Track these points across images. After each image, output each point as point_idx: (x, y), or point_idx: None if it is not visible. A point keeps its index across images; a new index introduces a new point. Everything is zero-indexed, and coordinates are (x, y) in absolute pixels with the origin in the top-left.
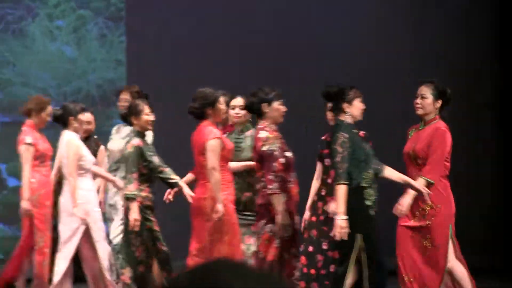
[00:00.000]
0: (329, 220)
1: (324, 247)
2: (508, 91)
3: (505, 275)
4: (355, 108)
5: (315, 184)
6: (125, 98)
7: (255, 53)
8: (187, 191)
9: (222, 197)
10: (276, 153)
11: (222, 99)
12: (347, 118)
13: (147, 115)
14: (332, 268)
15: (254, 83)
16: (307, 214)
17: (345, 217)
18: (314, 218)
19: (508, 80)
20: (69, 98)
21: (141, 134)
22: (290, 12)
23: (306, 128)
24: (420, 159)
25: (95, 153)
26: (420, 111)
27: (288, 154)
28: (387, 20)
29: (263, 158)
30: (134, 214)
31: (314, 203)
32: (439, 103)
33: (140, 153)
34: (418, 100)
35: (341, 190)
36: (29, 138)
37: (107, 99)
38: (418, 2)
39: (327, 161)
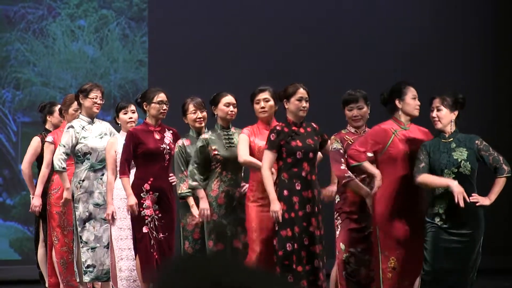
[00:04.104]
0: (306, 216)
1: (306, 242)
2: None
3: None
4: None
5: None
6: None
7: (277, 52)
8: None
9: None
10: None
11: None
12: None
13: (192, 114)
14: (316, 263)
15: (280, 83)
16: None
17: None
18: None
19: None
20: None
21: (193, 133)
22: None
23: None
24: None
25: None
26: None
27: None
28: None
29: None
30: (194, 210)
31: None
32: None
33: (183, 151)
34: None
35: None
36: (50, 137)
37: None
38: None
39: None
